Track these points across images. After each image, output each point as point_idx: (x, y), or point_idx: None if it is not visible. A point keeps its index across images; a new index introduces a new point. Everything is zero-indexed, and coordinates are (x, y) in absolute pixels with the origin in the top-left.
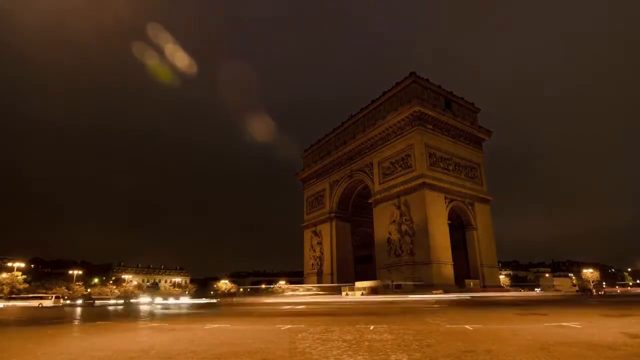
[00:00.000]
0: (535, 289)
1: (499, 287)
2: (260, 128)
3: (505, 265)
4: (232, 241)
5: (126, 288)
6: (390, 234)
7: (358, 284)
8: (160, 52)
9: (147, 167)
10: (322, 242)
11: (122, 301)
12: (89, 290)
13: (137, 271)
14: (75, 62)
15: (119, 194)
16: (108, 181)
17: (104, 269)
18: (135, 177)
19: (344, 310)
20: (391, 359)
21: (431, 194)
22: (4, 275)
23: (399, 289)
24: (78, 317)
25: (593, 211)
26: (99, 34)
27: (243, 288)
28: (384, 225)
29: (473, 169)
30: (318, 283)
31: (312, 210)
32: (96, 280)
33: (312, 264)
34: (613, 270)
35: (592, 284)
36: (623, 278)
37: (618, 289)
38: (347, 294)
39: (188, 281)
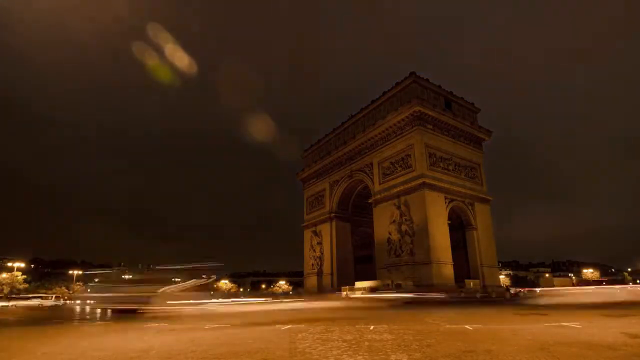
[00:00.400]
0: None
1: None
2: (260, 128)
3: (505, 265)
4: (232, 241)
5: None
6: (390, 234)
7: (358, 284)
8: (160, 52)
9: (147, 168)
10: (322, 242)
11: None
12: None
13: (137, 271)
14: (75, 62)
15: (119, 194)
16: (108, 181)
17: (104, 269)
18: (135, 177)
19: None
20: (391, 359)
21: (431, 194)
22: (4, 275)
23: (398, 289)
24: (77, 317)
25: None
26: (99, 34)
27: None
28: (384, 225)
29: (473, 169)
30: (318, 283)
31: (312, 210)
32: (96, 280)
33: (312, 264)
34: (613, 270)
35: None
36: (623, 278)
37: (524, 290)
38: (346, 294)
39: None
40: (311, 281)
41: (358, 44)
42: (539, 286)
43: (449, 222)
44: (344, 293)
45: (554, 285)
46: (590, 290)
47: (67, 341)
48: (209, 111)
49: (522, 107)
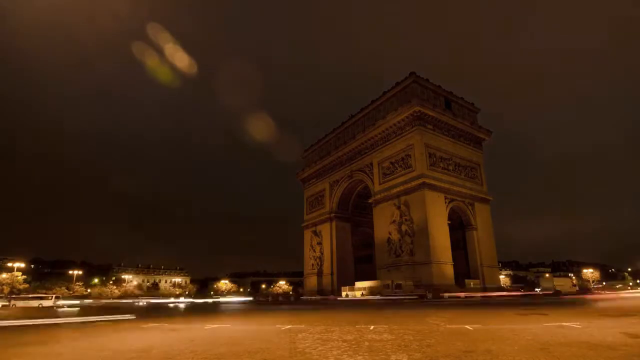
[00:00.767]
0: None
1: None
2: (260, 128)
3: (505, 265)
4: (232, 241)
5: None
6: (390, 234)
7: (358, 284)
8: (160, 52)
9: (147, 167)
10: (322, 242)
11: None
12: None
13: (137, 271)
14: (75, 62)
15: (119, 194)
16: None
17: (104, 269)
18: (135, 178)
19: None
20: (391, 359)
21: (431, 194)
22: (4, 275)
23: (399, 289)
24: (76, 318)
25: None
26: (98, 34)
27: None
28: (384, 225)
29: (473, 169)
30: (318, 283)
31: (312, 211)
32: (96, 280)
33: (312, 264)
34: (613, 270)
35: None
36: (623, 278)
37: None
38: (347, 295)
39: (188, 281)
40: (311, 281)
41: (358, 43)
42: (539, 286)
43: (449, 222)
44: (344, 293)
45: (554, 286)
46: None
47: (66, 341)
48: (209, 110)
49: (522, 106)
